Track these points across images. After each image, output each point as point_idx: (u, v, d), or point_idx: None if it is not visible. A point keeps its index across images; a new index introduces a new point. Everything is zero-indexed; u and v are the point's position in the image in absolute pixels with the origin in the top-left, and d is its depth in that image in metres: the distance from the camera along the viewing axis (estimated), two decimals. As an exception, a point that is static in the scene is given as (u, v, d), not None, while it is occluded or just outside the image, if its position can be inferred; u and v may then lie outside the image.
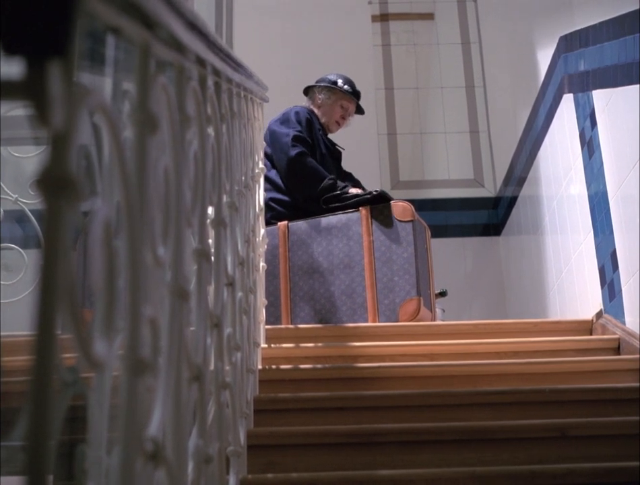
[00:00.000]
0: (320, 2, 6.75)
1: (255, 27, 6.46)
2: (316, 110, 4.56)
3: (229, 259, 1.67)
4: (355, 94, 4.58)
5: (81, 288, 0.66)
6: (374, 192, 4.08)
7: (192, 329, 1.16)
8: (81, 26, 0.62)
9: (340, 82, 4.54)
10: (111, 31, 0.84)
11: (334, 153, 4.58)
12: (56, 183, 0.61)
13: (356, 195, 4.11)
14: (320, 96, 4.55)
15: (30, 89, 0.59)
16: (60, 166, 0.61)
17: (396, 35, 6.88)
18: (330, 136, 4.65)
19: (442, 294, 4.81)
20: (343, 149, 4.69)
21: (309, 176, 4.20)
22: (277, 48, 6.53)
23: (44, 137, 0.61)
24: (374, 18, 6.87)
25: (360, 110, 4.63)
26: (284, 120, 4.40)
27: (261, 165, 3.03)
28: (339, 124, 4.60)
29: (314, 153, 4.34)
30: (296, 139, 4.26)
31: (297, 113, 4.43)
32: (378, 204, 4.04)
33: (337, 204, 4.12)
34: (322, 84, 4.57)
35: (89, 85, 0.67)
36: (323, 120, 4.55)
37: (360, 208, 4.06)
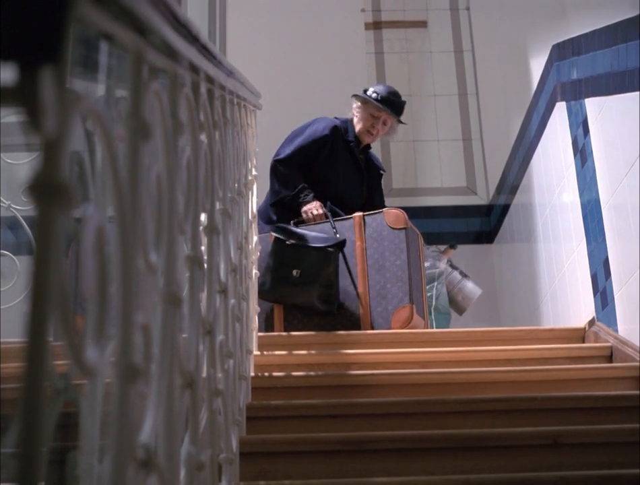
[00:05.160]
0: (313, 9, 6.76)
1: (248, 34, 6.46)
2: (354, 119, 4.38)
3: (222, 266, 1.67)
4: (385, 102, 4.27)
5: (73, 295, 0.66)
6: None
7: (184, 335, 1.15)
8: (74, 32, 0.62)
9: (370, 90, 4.31)
10: (104, 37, 0.84)
11: (361, 168, 4.41)
12: (48, 189, 0.60)
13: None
14: (354, 105, 4.38)
15: (23, 95, 0.59)
16: (52, 172, 0.61)
17: (389, 43, 6.89)
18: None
19: (452, 246, 4.68)
20: (384, 171, 4.56)
21: (275, 183, 4.23)
22: (270, 55, 6.53)
23: (36, 143, 0.61)
24: (368, 26, 6.88)
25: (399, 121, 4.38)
26: (302, 128, 4.35)
27: (254, 172, 3.03)
28: (371, 134, 4.34)
29: (319, 164, 4.27)
30: (292, 153, 4.23)
31: (319, 129, 4.31)
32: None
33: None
34: (357, 93, 4.38)
35: (82, 91, 0.67)
36: (357, 130, 4.35)
37: (353, 215, 4.06)
